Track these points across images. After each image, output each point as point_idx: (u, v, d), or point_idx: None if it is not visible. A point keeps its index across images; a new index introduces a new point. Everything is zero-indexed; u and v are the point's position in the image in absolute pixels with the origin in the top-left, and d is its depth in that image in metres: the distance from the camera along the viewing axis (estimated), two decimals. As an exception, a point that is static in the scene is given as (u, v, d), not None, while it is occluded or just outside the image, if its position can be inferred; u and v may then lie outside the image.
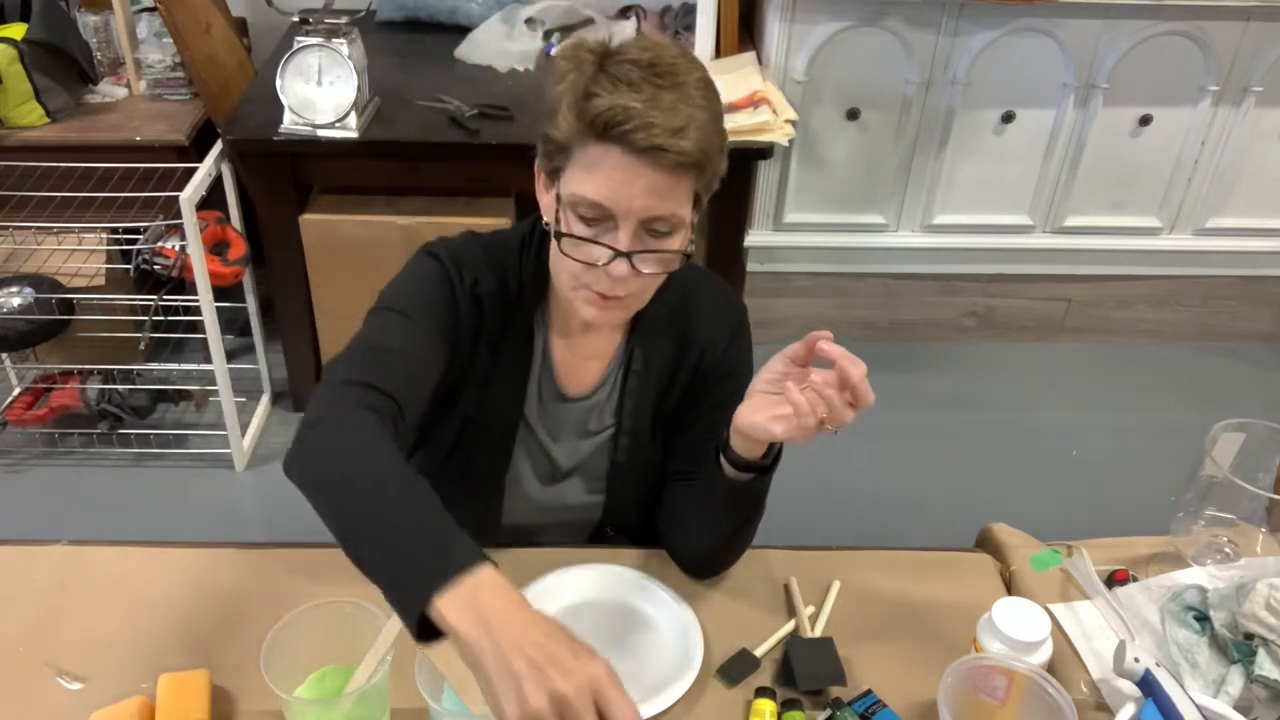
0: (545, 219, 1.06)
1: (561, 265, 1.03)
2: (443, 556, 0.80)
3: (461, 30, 2.65)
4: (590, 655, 0.76)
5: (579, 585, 1.14)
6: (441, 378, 1.09)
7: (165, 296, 2.26)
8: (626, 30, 2.60)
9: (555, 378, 1.18)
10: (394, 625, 0.92)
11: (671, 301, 1.16)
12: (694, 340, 1.19)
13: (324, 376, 1.00)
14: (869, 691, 1.03)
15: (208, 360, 2.33)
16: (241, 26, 2.68)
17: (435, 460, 1.20)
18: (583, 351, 1.18)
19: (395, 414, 0.97)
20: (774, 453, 1.07)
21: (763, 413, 0.99)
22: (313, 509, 0.89)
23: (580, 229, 0.99)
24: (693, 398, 1.20)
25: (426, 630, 0.79)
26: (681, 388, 1.20)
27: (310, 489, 0.89)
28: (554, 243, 1.02)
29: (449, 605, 0.77)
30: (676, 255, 1.01)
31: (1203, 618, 1.09)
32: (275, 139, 2.17)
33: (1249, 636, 1.04)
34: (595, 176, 0.96)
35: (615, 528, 1.28)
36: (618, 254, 0.98)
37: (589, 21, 2.66)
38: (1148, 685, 0.95)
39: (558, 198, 1.00)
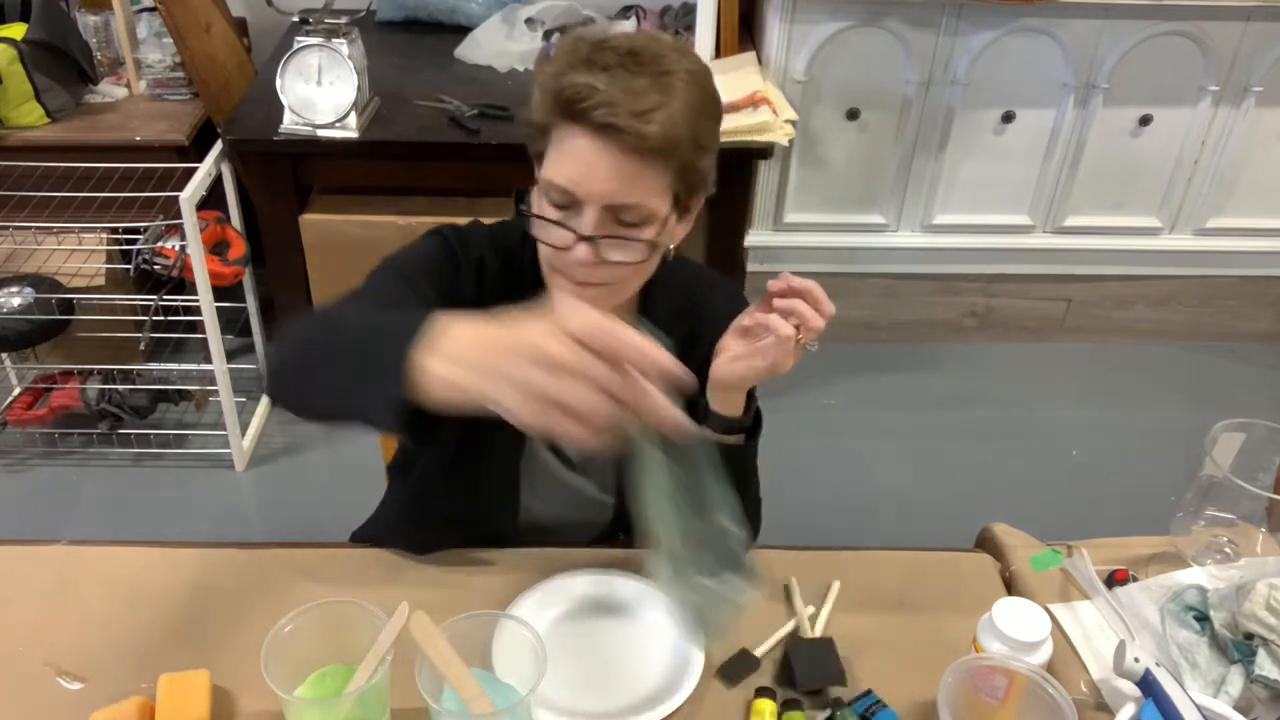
0: None
1: (540, 252, 1.05)
2: (397, 336, 0.80)
3: (461, 30, 2.65)
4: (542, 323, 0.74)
5: (578, 590, 1.14)
6: None
7: (165, 296, 2.26)
8: (627, 27, 2.61)
9: None
10: (394, 625, 0.92)
11: (676, 304, 1.16)
12: (703, 339, 1.16)
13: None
14: (869, 691, 1.03)
15: (208, 360, 2.33)
16: (241, 26, 2.68)
17: (449, 452, 1.20)
18: None
19: None
20: (753, 410, 1.10)
21: (740, 361, 1.03)
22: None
23: (549, 212, 1.00)
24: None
25: (416, 420, 0.79)
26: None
27: (288, 371, 0.94)
28: (529, 225, 1.03)
29: (419, 371, 0.76)
30: (644, 245, 1.01)
31: (1203, 618, 1.09)
32: (275, 139, 2.18)
33: (1249, 636, 1.04)
34: (562, 159, 0.97)
35: (626, 531, 1.27)
36: (580, 238, 0.98)
37: (589, 21, 2.67)
38: (1148, 685, 0.95)
39: (537, 183, 1.02)
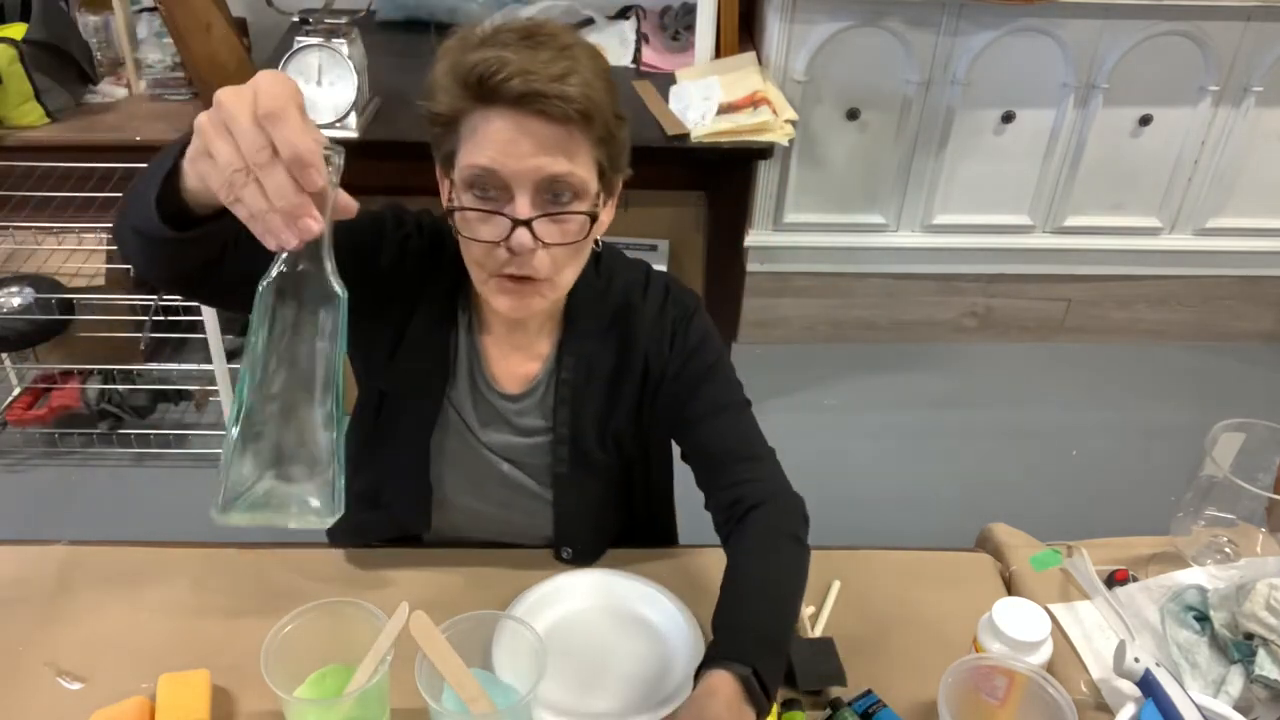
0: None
1: (469, 254, 0.99)
2: (171, 149, 0.81)
3: (462, 30, 2.64)
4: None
5: (579, 591, 1.14)
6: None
7: (165, 297, 2.26)
8: (627, 27, 2.60)
9: (487, 370, 1.13)
10: (394, 625, 0.92)
11: (613, 304, 1.12)
12: (636, 343, 1.11)
13: None
14: (869, 691, 1.03)
15: (208, 360, 2.33)
16: (241, 26, 2.68)
17: (365, 438, 1.17)
18: (510, 347, 1.13)
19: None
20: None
21: None
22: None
23: (475, 204, 0.94)
24: (665, 409, 1.13)
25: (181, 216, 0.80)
26: (631, 398, 1.13)
27: (130, 237, 0.86)
28: (455, 229, 0.97)
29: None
30: (581, 221, 0.96)
31: (1203, 618, 1.09)
32: (275, 139, 2.17)
33: (1249, 636, 1.04)
34: (482, 142, 0.92)
35: (571, 548, 1.19)
36: (516, 223, 0.92)
37: (589, 22, 2.66)
38: (1148, 685, 0.95)
39: (452, 182, 0.97)
